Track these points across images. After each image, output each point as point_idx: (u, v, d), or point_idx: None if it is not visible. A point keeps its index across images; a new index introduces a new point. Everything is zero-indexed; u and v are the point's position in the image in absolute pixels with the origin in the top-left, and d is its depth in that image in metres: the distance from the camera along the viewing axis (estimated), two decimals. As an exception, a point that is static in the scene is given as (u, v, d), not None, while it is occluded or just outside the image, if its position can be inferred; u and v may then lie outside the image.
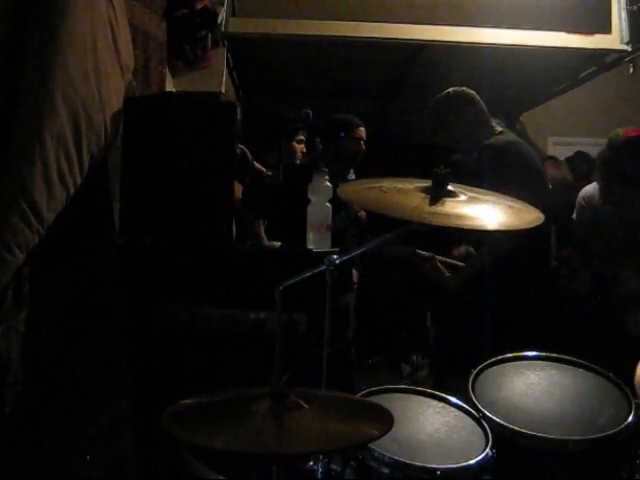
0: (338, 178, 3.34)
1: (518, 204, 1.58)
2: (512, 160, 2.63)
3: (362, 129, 3.59)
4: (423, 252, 2.86)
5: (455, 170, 1.55)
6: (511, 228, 1.52)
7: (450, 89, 2.87)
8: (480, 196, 1.58)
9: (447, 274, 2.81)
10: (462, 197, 1.52)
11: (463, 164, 2.99)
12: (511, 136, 2.83)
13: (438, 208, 1.45)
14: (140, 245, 2.09)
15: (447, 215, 1.45)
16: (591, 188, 3.63)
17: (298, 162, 3.56)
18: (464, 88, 2.87)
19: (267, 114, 3.62)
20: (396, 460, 1.48)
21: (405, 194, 1.52)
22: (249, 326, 2.02)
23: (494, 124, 2.84)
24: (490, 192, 1.63)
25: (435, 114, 2.89)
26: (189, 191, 2.07)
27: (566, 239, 3.56)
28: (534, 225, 1.49)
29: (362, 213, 3.50)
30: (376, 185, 1.58)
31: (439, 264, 2.82)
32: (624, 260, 3.29)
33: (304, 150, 3.63)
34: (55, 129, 1.65)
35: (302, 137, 3.62)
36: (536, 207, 1.57)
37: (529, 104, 5.19)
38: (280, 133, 3.33)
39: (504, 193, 1.72)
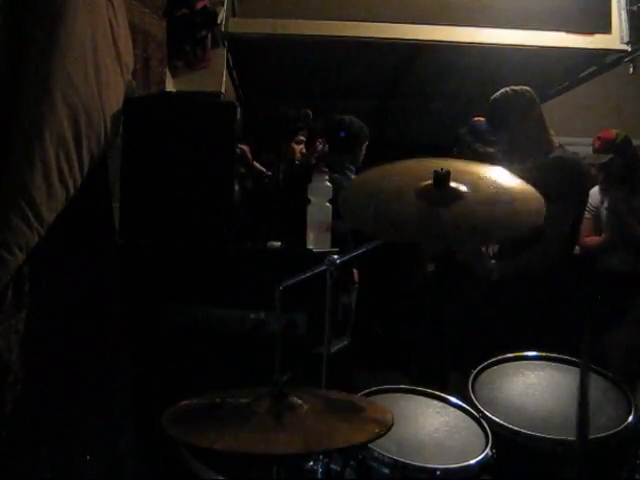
0: (338, 167, 3.36)
1: (522, 195, 1.51)
2: (576, 180, 2.61)
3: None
4: None
5: None
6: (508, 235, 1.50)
7: (515, 87, 2.72)
8: (483, 185, 1.50)
9: (490, 262, 2.69)
10: (464, 192, 1.45)
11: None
12: (571, 153, 2.75)
13: (436, 220, 1.40)
14: (140, 245, 2.09)
15: (444, 230, 1.40)
16: (596, 190, 3.70)
17: (297, 162, 3.57)
18: (526, 87, 2.73)
19: (267, 114, 3.62)
20: (396, 460, 1.48)
21: (404, 201, 1.45)
22: (249, 326, 2.02)
23: (553, 133, 2.75)
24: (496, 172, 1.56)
25: (499, 110, 2.72)
26: (189, 191, 2.07)
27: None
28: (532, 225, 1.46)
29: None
30: (377, 192, 1.51)
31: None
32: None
33: (303, 151, 3.64)
34: (55, 129, 1.65)
35: (302, 138, 3.63)
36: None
37: (529, 104, 5.18)
38: (280, 134, 3.34)
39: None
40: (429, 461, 1.50)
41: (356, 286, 3.80)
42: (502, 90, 2.74)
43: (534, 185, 2.66)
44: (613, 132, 3.64)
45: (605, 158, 3.57)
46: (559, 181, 2.52)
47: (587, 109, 5.35)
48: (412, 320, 4.37)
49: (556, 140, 2.76)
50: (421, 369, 3.54)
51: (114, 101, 1.94)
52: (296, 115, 3.45)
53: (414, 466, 1.48)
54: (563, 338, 2.36)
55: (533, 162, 2.69)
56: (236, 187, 2.12)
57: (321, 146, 3.72)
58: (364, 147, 3.67)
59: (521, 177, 2.73)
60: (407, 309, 4.51)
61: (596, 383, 1.74)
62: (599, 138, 3.65)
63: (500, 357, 1.86)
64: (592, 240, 3.64)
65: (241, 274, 2.07)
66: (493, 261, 2.71)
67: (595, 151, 3.67)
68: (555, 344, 1.92)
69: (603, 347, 3.41)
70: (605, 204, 3.61)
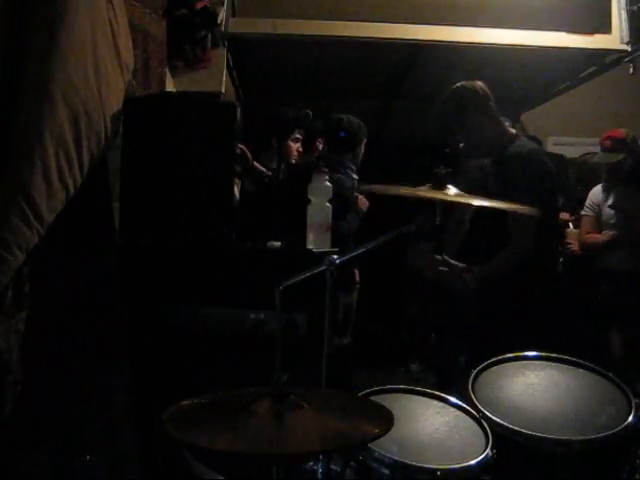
0: (339, 166, 3.36)
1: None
2: (539, 173, 2.56)
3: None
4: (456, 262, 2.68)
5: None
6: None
7: (465, 82, 2.64)
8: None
9: (463, 276, 2.64)
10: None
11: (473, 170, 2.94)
12: (530, 144, 2.71)
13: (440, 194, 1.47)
14: (140, 245, 2.09)
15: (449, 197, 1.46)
16: (599, 188, 3.71)
17: (294, 161, 3.55)
18: (479, 82, 2.65)
19: (266, 113, 3.62)
20: (396, 460, 1.48)
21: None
22: (249, 326, 2.02)
23: (507, 123, 2.70)
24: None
25: (455, 111, 2.63)
26: (189, 191, 2.07)
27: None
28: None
29: (363, 202, 3.51)
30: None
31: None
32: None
33: (300, 149, 3.62)
34: (55, 129, 1.65)
35: (298, 136, 3.61)
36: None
37: (529, 104, 5.19)
38: (276, 132, 3.34)
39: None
40: (429, 461, 1.50)
41: (357, 286, 3.80)
42: (455, 85, 2.67)
43: (498, 181, 2.65)
44: (623, 131, 3.64)
45: (617, 157, 3.57)
46: (520, 176, 2.50)
47: (587, 109, 5.36)
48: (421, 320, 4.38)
49: (511, 129, 2.74)
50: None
51: (114, 101, 1.94)
52: (296, 115, 3.45)
53: (414, 466, 1.48)
54: (562, 337, 2.37)
55: (494, 156, 2.67)
56: (236, 187, 2.12)
57: (321, 146, 3.72)
58: (363, 145, 3.66)
59: (485, 173, 2.71)
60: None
61: (596, 383, 1.74)
62: (609, 137, 3.65)
63: (500, 357, 1.86)
64: (593, 238, 3.64)
65: (241, 274, 2.07)
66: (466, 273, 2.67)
67: (605, 150, 3.66)
68: (555, 343, 1.92)
69: (604, 346, 3.42)
70: (609, 202, 3.61)
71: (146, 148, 2.10)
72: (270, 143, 3.41)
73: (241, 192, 3.14)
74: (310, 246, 2.12)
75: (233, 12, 3.62)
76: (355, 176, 3.54)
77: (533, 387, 1.76)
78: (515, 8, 3.66)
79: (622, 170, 3.60)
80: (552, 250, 2.80)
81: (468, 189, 1.87)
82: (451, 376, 2.93)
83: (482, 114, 2.62)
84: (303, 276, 1.51)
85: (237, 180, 3.08)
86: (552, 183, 2.66)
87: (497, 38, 3.63)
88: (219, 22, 3.34)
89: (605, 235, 3.58)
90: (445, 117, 2.69)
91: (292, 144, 3.57)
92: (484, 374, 1.80)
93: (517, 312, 2.47)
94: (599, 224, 3.66)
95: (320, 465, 1.49)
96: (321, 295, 1.55)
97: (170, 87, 3.06)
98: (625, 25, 3.57)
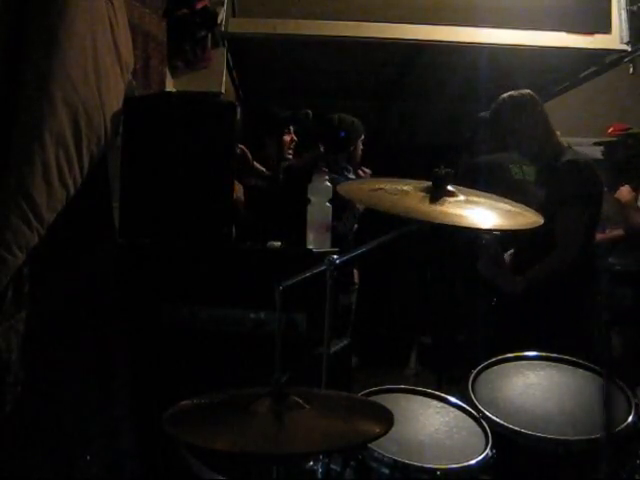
0: (335, 167, 3.33)
1: (516, 208, 1.59)
2: (595, 180, 2.62)
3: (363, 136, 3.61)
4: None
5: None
6: (508, 228, 1.54)
7: (514, 92, 2.74)
8: (478, 198, 1.58)
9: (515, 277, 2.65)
10: (461, 197, 1.53)
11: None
12: (582, 154, 2.75)
13: (439, 207, 1.46)
14: (140, 245, 2.09)
15: (447, 214, 1.46)
16: None
17: (290, 154, 3.49)
18: (529, 90, 2.74)
19: (257, 114, 3.57)
20: (396, 460, 1.48)
21: (406, 193, 1.53)
22: (249, 326, 2.02)
23: (559, 134, 2.74)
24: (487, 195, 1.63)
25: (504, 114, 2.73)
26: (189, 191, 2.07)
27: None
28: (530, 227, 1.51)
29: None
30: (376, 187, 1.59)
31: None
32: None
33: (294, 138, 3.56)
34: (55, 129, 1.65)
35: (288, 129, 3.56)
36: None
37: (529, 104, 5.19)
38: (268, 131, 3.32)
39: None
40: (429, 461, 1.50)
41: (356, 287, 3.80)
42: (503, 95, 2.75)
43: (548, 189, 2.69)
44: (628, 126, 3.70)
45: (609, 139, 3.60)
46: (573, 185, 2.54)
47: (587, 109, 5.36)
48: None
49: (564, 141, 2.77)
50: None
51: (114, 101, 1.94)
52: (292, 115, 3.41)
53: (414, 466, 1.48)
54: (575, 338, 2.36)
55: (544, 164, 2.70)
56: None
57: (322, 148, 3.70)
58: (360, 142, 3.61)
59: (535, 179, 2.75)
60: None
61: (596, 383, 1.74)
62: (613, 125, 3.70)
63: (500, 357, 1.86)
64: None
65: (241, 274, 2.07)
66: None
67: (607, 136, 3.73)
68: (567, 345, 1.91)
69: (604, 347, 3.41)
70: (608, 201, 3.62)
71: (146, 148, 2.10)
72: (263, 142, 3.38)
73: (250, 190, 3.11)
74: (310, 246, 2.13)
75: (233, 12, 3.62)
76: (352, 176, 3.51)
77: (533, 387, 1.76)
78: (515, 8, 3.65)
79: (614, 159, 3.63)
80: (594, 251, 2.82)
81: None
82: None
83: (532, 121, 2.67)
84: (303, 276, 1.51)
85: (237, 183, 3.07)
86: (602, 190, 2.72)
87: (497, 38, 3.63)
88: (219, 22, 3.34)
89: (607, 234, 3.59)
90: (497, 122, 2.78)
91: (286, 137, 3.50)
92: (484, 374, 1.80)
93: (567, 313, 2.48)
94: (602, 224, 3.66)
95: (320, 465, 1.49)
96: (321, 295, 1.55)
97: (170, 87, 3.06)
98: (625, 25, 3.57)
